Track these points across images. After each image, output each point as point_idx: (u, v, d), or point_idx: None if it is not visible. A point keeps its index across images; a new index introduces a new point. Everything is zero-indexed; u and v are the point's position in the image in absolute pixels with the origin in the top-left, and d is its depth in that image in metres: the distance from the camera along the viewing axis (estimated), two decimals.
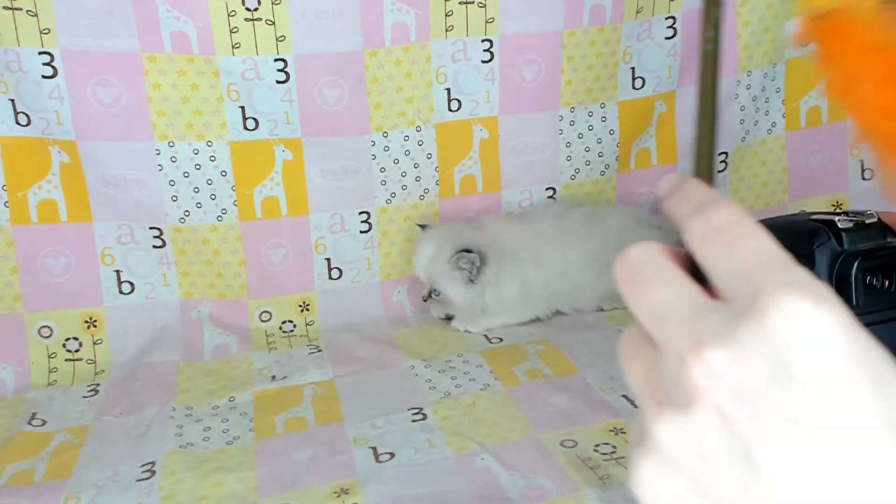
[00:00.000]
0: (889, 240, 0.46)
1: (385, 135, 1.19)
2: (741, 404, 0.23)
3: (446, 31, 1.17)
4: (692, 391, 0.23)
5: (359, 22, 1.13)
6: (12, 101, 1.07)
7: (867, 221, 0.46)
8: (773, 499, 0.22)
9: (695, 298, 0.25)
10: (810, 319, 0.22)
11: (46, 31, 1.05)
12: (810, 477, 0.22)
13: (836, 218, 0.46)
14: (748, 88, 1.29)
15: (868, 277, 0.44)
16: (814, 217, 0.47)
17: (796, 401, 0.22)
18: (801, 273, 0.23)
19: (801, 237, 0.46)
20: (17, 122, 1.08)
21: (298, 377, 1.04)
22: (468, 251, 1.10)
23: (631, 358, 0.27)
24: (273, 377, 1.05)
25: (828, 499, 0.22)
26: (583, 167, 1.29)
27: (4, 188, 1.09)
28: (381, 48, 1.15)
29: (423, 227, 1.19)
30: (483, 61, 1.20)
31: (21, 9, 1.03)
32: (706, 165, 0.29)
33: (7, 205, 1.10)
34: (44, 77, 1.06)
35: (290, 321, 1.20)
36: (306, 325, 1.20)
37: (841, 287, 0.44)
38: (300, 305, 1.21)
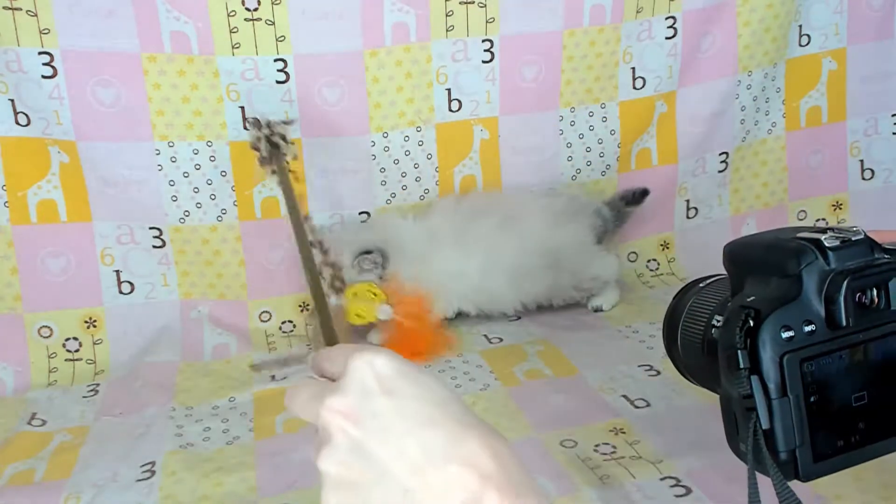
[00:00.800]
0: (876, 256, 0.46)
1: (385, 135, 1.19)
2: (350, 420, 0.38)
3: (447, 31, 1.17)
4: (326, 425, 0.39)
5: (359, 22, 1.13)
6: (12, 101, 1.07)
7: (853, 238, 0.45)
8: (390, 474, 0.36)
9: (326, 387, 0.41)
10: (371, 358, 0.40)
11: (46, 31, 1.05)
12: (399, 445, 0.37)
13: (823, 237, 0.45)
14: (748, 88, 1.29)
15: (857, 295, 0.44)
16: (800, 235, 0.46)
17: (374, 403, 0.38)
18: (367, 346, 0.41)
19: (788, 257, 0.45)
20: (17, 122, 1.08)
21: (298, 377, 1.04)
22: (368, 252, 1.10)
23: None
24: (273, 377, 1.05)
25: (415, 444, 0.37)
26: (584, 167, 1.28)
27: (4, 188, 1.10)
28: (382, 48, 1.15)
29: None
30: (483, 61, 1.20)
31: (21, 9, 1.03)
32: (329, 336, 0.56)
33: (7, 205, 1.10)
34: (44, 77, 1.06)
35: (290, 321, 1.20)
36: (306, 325, 1.20)
37: (830, 306, 0.44)
38: (300, 305, 1.21)
